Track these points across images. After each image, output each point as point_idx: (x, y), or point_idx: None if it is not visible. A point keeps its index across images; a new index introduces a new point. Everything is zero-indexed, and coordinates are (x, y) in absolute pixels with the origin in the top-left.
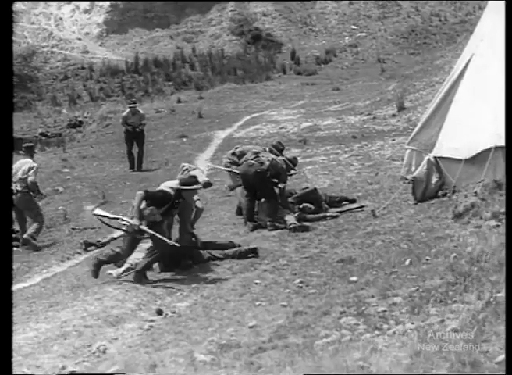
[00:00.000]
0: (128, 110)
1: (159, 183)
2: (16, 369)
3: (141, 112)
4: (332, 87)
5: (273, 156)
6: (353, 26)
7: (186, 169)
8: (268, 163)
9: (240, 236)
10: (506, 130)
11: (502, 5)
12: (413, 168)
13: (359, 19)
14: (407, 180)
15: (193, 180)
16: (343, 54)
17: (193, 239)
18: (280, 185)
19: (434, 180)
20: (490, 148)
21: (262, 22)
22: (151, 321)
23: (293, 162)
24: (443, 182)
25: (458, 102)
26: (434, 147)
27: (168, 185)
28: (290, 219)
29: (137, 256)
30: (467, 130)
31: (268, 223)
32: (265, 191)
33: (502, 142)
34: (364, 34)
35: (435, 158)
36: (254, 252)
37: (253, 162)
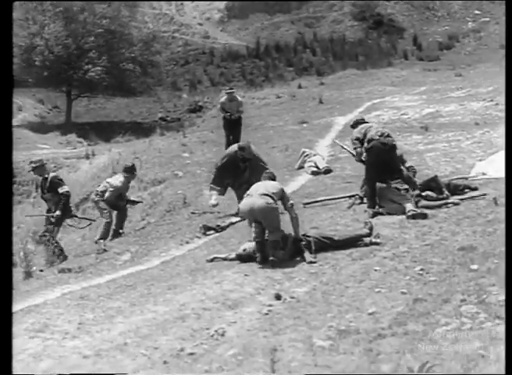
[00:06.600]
0: (225, 96)
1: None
2: (134, 351)
3: (239, 99)
4: (455, 73)
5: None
6: (477, 11)
7: (307, 155)
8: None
9: (359, 222)
10: (506, 129)
11: None
12: None
13: (482, 3)
14: None
15: None
16: (466, 39)
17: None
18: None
19: None
20: None
21: (384, 7)
22: (270, 305)
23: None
24: None
25: None
26: None
27: None
28: (409, 206)
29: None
30: None
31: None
32: (395, 167)
33: None
34: (487, 19)
35: None
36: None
37: (384, 139)
